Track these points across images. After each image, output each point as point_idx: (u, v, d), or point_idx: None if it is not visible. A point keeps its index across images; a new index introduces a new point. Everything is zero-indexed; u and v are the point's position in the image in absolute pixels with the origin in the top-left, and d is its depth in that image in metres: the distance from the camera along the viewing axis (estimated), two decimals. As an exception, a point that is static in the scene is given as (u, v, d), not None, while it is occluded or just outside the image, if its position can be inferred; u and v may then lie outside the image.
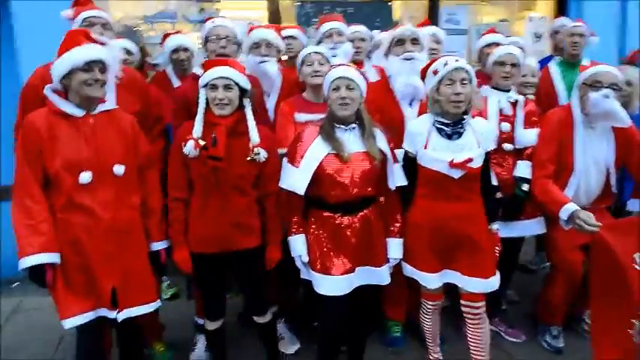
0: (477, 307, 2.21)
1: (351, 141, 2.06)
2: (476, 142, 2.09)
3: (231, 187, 2.05)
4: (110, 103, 2.05)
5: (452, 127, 2.06)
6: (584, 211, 2.17)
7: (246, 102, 2.07)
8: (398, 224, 2.19)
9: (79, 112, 1.89)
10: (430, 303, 2.30)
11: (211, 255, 2.09)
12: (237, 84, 2.01)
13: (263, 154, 2.04)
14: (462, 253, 2.15)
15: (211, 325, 2.26)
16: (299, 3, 3.91)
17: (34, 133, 1.84)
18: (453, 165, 2.02)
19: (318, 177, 2.02)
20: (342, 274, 2.07)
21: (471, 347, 2.28)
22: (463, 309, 2.23)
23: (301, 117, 2.45)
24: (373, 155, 2.04)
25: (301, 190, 2.03)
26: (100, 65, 1.86)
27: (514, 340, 2.77)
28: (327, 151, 2.01)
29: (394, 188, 2.14)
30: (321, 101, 2.29)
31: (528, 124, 2.55)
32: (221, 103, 1.98)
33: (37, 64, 2.21)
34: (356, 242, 2.09)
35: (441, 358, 2.46)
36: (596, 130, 2.42)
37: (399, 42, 2.40)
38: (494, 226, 2.25)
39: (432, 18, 4.18)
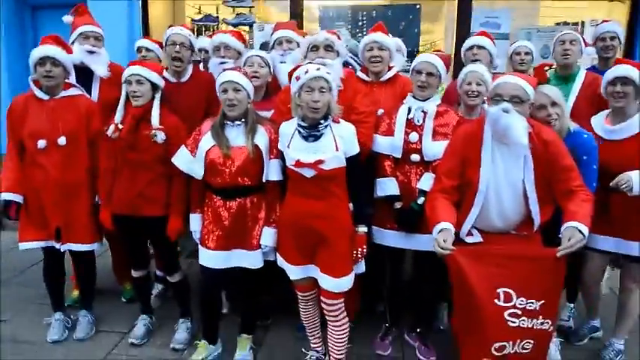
0: (331, 305, 2.31)
1: (235, 136, 2.35)
2: (334, 145, 2.18)
3: (138, 163, 2.53)
4: (76, 90, 2.71)
5: (308, 130, 2.19)
6: (446, 232, 2.07)
7: (157, 95, 2.52)
8: (274, 215, 2.41)
9: (44, 96, 2.60)
10: (300, 294, 2.46)
11: (124, 216, 2.60)
12: (148, 80, 2.48)
13: (160, 136, 2.47)
14: (320, 250, 2.27)
15: (136, 274, 2.82)
16: (322, 8, 4.16)
17: (14, 111, 2.61)
18: (297, 164, 2.16)
19: (206, 165, 2.37)
20: (214, 249, 2.41)
21: (328, 343, 2.40)
22: (321, 305, 2.35)
23: None
24: (248, 150, 2.31)
25: (199, 175, 2.40)
26: (52, 60, 2.51)
27: (422, 358, 2.69)
28: (212, 144, 2.34)
29: (266, 180, 2.37)
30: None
31: (439, 135, 2.43)
32: (135, 95, 2.48)
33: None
34: (229, 224, 2.39)
35: (319, 349, 2.59)
36: (511, 148, 2.16)
37: (314, 48, 2.54)
38: (361, 228, 2.29)
39: (462, 21, 3.99)
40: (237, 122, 2.35)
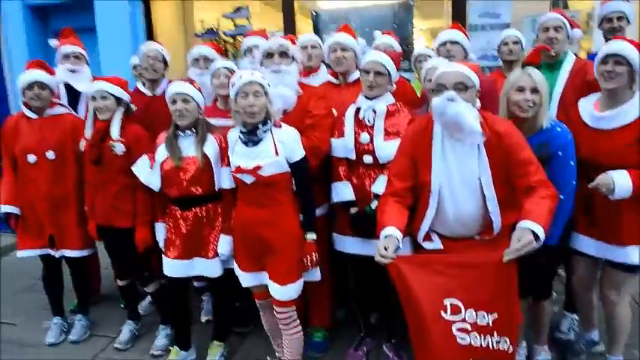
0: (280, 313, 2.29)
1: (187, 146, 2.42)
2: (273, 150, 2.16)
3: (105, 176, 2.67)
4: (61, 108, 2.92)
5: (248, 135, 2.19)
6: (389, 239, 1.93)
7: (119, 108, 2.64)
8: (229, 222, 2.42)
9: (33, 115, 2.83)
10: (257, 301, 2.45)
11: (103, 227, 2.76)
12: (111, 94, 2.61)
13: (119, 148, 2.57)
14: (268, 258, 2.26)
15: (121, 282, 2.97)
16: (314, 12, 4.15)
17: (7, 130, 2.88)
18: (237, 171, 2.18)
19: (162, 176, 2.45)
20: (174, 258, 2.48)
21: (284, 350, 2.37)
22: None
23: (214, 122, 2.84)
24: (198, 159, 2.36)
25: (156, 187, 2.49)
26: (39, 84, 2.74)
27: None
28: (166, 155, 2.43)
29: (218, 189, 2.41)
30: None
31: (391, 135, 2.33)
32: (100, 109, 2.62)
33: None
34: (187, 233, 2.46)
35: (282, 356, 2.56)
36: (464, 144, 1.99)
37: (269, 55, 2.55)
38: (309, 235, 2.25)
39: (458, 14, 3.81)
40: (189, 132, 2.41)
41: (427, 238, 2.18)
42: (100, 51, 4.50)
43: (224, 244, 2.43)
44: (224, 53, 3.11)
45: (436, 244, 2.15)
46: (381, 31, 3.28)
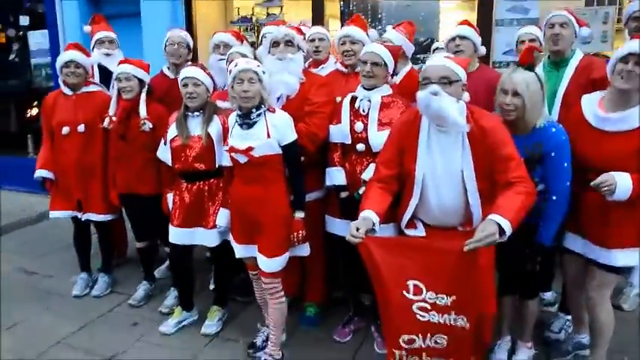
0: (267, 283, 2.48)
1: (195, 126, 2.63)
2: (265, 133, 2.32)
3: (132, 149, 2.95)
4: (95, 86, 3.24)
5: (242, 118, 2.36)
6: (363, 221, 2.03)
7: (143, 89, 2.90)
8: (226, 197, 2.62)
9: (69, 92, 3.17)
10: (249, 272, 2.64)
11: (125, 195, 3.06)
12: (135, 76, 2.86)
13: (148, 125, 2.84)
14: (258, 232, 2.44)
15: (139, 244, 3.28)
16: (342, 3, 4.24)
17: (46, 105, 3.22)
18: (230, 150, 2.36)
19: (171, 152, 2.69)
20: (177, 227, 2.73)
21: (268, 318, 2.57)
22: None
23: (220, 104, 3.05)
24: (202, 138, 2.57)
25: (169, 161, 2.74)
26: (74, 63, 3.06)
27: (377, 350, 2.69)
28: (176, 133, 2.65)
29: (218, 166, 2.61)
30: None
31: (385, 126, 2.40)
32: (125, 90, 2.89)
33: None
34: (189, 205, 2.68)
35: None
36: (450, 135, 2.04)
37: (275, 44, 2.69)
38: (297, 214, 2.41)
39: (486, 9, 3.77)
40: (197, 113, 2.62)
41: (412, 225, 2.27)
42: (144, 35, 4.85)
43: (222, 216, 2.63)
44: (244, 40, 3.26)
45: (419, 231, 2.24)
46: (392, 26, 3.36)
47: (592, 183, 2.01)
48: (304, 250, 2.52)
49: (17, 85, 6.33)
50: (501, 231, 1.83)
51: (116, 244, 3.71)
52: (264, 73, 2.33)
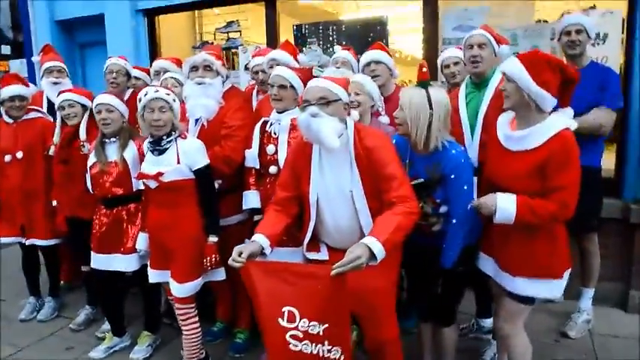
0: (178, 309, 2.47)
1: (112, 152, 2.67)
2: (175, 159, 2.36)
3: (72, 173, 2.96)
4: (36, 113, 3.32)
5: (153, 145, 2.40)
6: (248, 245, 1.99)
7: (85, 114, 2.93)
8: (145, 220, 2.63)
9: (10, 121, 3.26)
10: (168, 296, 2.63)
11: (70, 218, 3.09)
12: (78, 102, 2.92)
13: (87, 147, 2.86)
14: (170, 256, 2.45)
15: (84, 268, 3.27)
16: (295, 26, 4.29)
17: None
18: (139, 176, 2.39)
19: (90, 178, 2.72)
20: (95, 253, 2.75)
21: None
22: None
23: None
24: (118, 164, 2.61)
25: (90, 188, 2.77)
26: (19, 97, 3.16)
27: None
28: (94, 160, 2.69)
29: (136, 190, 2.63)
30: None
31: None
32: (68, 116, 2.94)
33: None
34: (106, 231, 2.70)
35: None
36: (339, 156, 2.04)
37: (194, 68, 2.74)
38: (210, 238, 2.42)
39: (431, 27, 3.77)
40: (113, 139, 2.67)
41: (315, 248, 2.24)
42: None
43: (141, 240, 2.64)
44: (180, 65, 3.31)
45: (322, 254, 2.21)
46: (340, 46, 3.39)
47: (471, 204, 1.97)
48: (219, 274, 2.51)
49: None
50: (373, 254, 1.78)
51: (68, 267, 3.74)
52: (174, 101, 2.37)
